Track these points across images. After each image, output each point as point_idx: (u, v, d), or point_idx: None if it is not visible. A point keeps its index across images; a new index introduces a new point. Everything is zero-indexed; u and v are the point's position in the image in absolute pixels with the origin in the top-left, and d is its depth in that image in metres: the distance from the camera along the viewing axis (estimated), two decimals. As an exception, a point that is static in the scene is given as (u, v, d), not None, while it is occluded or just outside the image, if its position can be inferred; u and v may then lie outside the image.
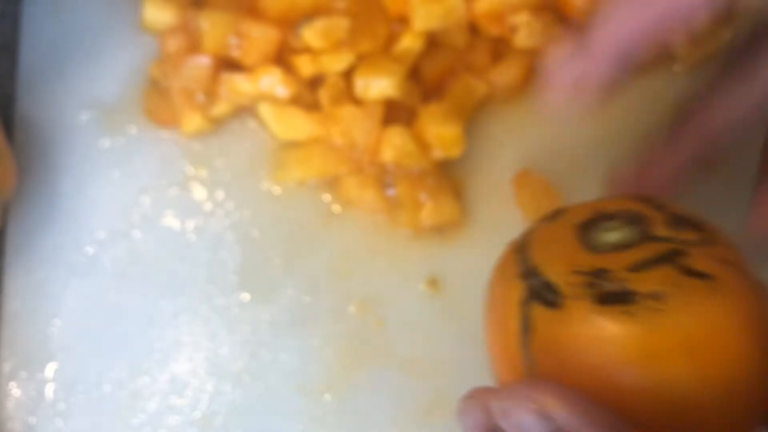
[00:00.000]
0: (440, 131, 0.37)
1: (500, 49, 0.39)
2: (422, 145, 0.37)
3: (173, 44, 0.38)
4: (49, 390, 0.37)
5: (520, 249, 0.26)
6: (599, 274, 0.24)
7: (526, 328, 0.24)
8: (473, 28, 0.39)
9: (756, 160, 0.34)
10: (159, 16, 0.39)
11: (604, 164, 0.39)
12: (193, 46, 0.38)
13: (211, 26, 0.37)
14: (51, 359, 0.37)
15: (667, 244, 0.24)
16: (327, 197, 0.39)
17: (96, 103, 0.40)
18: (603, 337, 0.22)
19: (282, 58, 0.38)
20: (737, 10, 0.41)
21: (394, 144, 0.37)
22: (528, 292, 0.25)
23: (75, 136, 0.40)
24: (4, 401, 0.37)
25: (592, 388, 0.22)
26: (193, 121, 0.38)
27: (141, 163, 0.39)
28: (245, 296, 0.38)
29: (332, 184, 0.39)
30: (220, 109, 0.39)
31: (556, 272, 0.24)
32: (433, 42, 0.38)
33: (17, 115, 0.40)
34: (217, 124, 0.40)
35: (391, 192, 0.38)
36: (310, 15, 0.36)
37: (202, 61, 0.38)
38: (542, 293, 0.24)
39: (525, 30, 0.37)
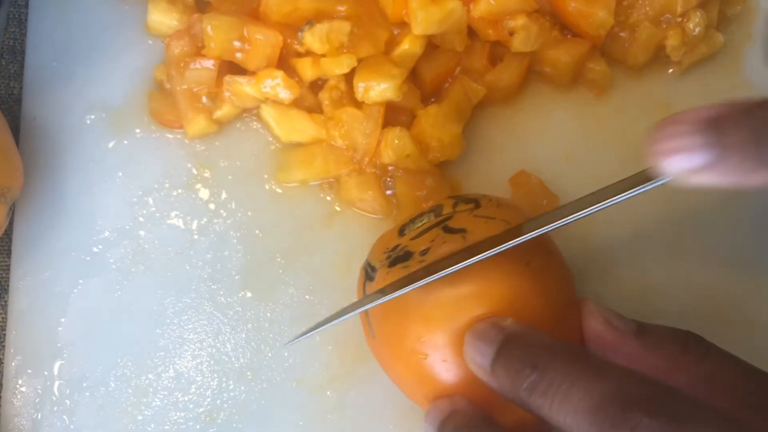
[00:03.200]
0: (439, 133, 0.38)
1: (498, 52, 0.40)
2: (422, 146, 0.38)
3: (178, 47, 0.39)
4: (56, 387, 0.37)
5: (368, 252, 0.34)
6: (395, 248, 0.32)
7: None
8: (471, 32, 0.39)
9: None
10: (163, 20, 0.40)
11: (598, 165, 0.40)
12: (198, 49, 0.38)
13: (215, 30, 0.37)
14: (57, 357, 0.38)
15: (443, 217, 0.32)
16: (328, 197, 0.39)
17: (102, 104, 0.40)
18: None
19: (284, 61, 0.38)
20: (734, 14, 0.42)
21: (394, 145, 0.37)
22: (364, 276, 0.33)
23: (81, 137, 0.40)
24: (11, 398, 0.37)
25: (396, 324, 0.30)
26: (197, 123, 0.39)
27: (146, 164, 0.40)
28: (248, 294, 0.38)
29: (333, 184, 0.39)
30: (224, 111, 0.39)
31: (374, 257, 0.33)
32: (432, 45, 0.38)
33: (24, 116, 0.40)
34: (221, 125, 0.40)
35: (390, 192, 0.39)
36: (312, 19, 0.37)
37: (206, 65, 0.38)
38: (368, 273, 0.32)
39: (522, 33, 0.38)
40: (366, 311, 0.32)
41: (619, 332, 0.29)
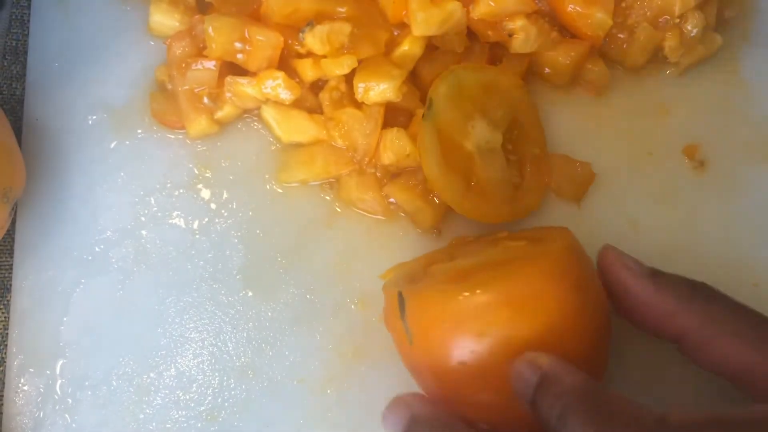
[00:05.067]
0: (439, 133, 0.38)
1: (497, 53, 0.40)
2: (421, 146, 0.38)
3: (179, 48, 0.39)
4: (58, 386, 0.37)
5: None
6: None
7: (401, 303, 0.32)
8: (471, 33, 0.39)
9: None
10: (165, 21, 0.40)
11: (597, 165, 0.40)
12: (199, 50, 0.39)
13: (216, 31, 0.37)
14: (59, 356, 0.38)
15: None
16: (328, 198, 0.40)
17: (103, 105, 0.41)
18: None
19: (285, 62, 0.38)
20: (732, 15, 0.42)
21: (394, 145, 0.37)
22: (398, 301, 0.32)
23: (83, 137, 0.40)
24: (14, 396, 0.37)
25: (448, 335, 0.30)
26: (198, 123, 0.39)
27: (148, 164, 0.40)
28: (249, 294, 0.38)
29: (334, 184, 0.40)
30: (225, 111, 0.39)
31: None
32: (431, 46, 0.39)
33: (27, 116, 0.41)
34: (222, 126, 0.40)
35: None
36: (313, 20, 0.37)
37: (208, 65, 0.38)
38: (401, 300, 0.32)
39: (521, 35, 0.38)
40: (404, 319, 0.32)
41: (635, 274, 0.32)
